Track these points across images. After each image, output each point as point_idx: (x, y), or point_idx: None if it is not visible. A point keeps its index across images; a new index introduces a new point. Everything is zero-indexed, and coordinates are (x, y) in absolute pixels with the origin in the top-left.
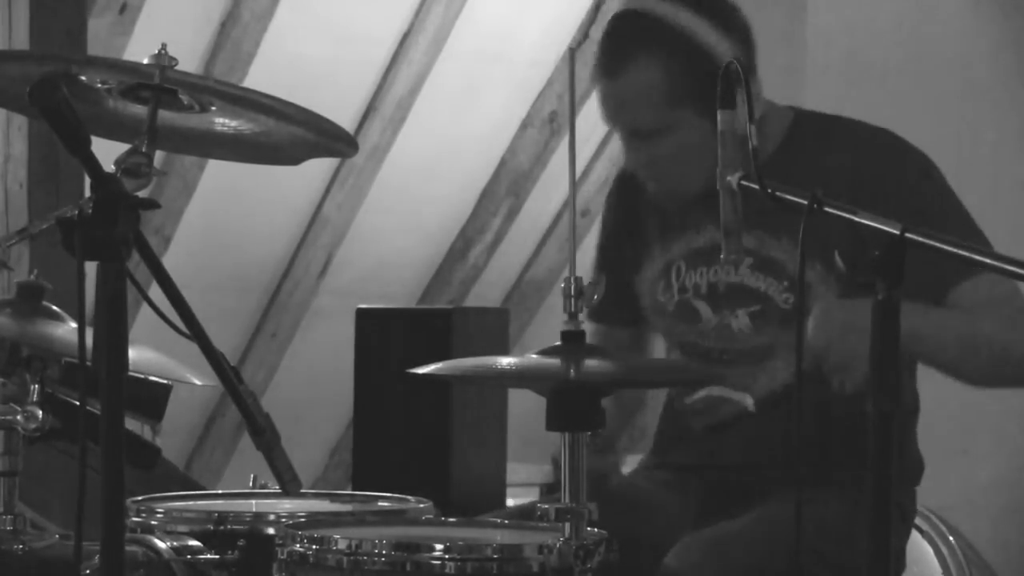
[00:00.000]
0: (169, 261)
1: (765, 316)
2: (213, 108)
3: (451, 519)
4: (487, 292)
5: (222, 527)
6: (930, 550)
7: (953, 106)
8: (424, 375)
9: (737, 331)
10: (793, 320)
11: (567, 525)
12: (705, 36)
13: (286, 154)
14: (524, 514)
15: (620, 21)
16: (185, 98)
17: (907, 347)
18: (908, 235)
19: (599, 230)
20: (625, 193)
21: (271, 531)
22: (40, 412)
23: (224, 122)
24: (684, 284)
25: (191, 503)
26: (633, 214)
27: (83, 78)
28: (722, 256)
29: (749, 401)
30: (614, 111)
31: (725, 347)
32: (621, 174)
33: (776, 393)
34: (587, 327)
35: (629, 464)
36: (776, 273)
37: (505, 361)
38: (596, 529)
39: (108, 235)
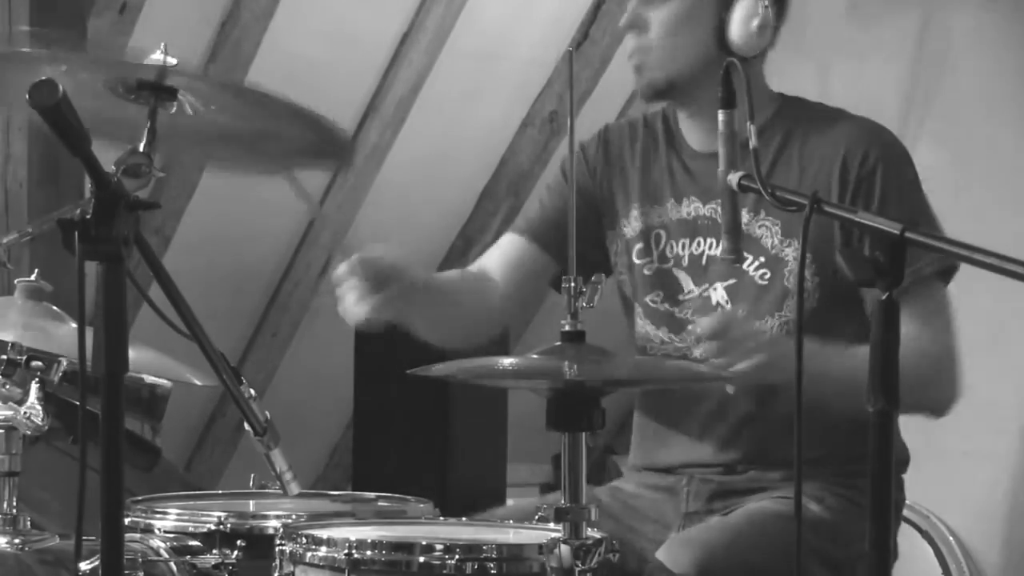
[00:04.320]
0: (169, 261)
1: (740, 290)
2: (213, 108)
3: (451, 519)
4: None
5: (222, 527)
6: (930, 550)
7: (956, 110)
8: (424, 375)
9: (715, 304)
10: (766, 295)
11: (567, 525)
12: None
13: (284, 160)
14: (522, 513)
15: None
16: (185, 98)
17: (815, 389)
18: (908, 235)
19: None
20: (609, 147)
21: (271, 531)
22: (40, 412)
23: (224, 124)
24: (665, 253)
25: (191, 503)
26: (614, 170)
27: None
28: (720, 256)
29: (728, 387)
30: None
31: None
32: (605, 130)
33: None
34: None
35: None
36: (752, 249)
37: (505, 361)
38: (595, 529)
39: (108, 235)
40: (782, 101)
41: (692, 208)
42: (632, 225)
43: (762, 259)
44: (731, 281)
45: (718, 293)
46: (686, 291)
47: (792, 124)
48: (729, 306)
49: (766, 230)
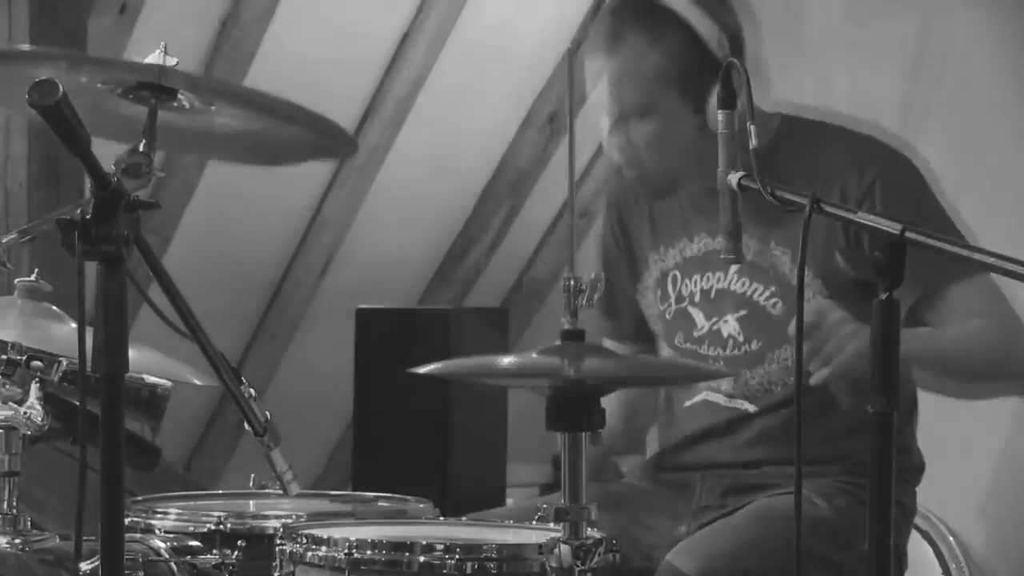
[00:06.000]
0: (169, 261)
1: (753, 321)
2: (213, 108)
3: (451, 519)
4: (487, 292)
5: (222, 527)
6: (930, 550)
7: (956, 110)
8: (423, 375)
9: (727, 336)
10: (780, 327)
11: (567, 525)
12: (699, 23)
13: (286, 155)
14: (522, 514)
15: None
16: (185, 98)
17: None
18: (908, 235)
19: (600, 247)
20: (622, 212)
21: (271, 531)
22: (40, 412)
23: (225, 123)
24: (681, 293)
25: (191, 503)
26: (628, 226)
27: (83, 79)
28: (721, 256)
29: (749, 407)
30: (610, 87)
31: (717, 354)
32: (614, 198)
33: (776, 399)
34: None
35: (628, 465)
36: (763, 279)
37: (505, 361)
38: (596, 529)
39: (108, 235)
40: (780, 122)
41: (703, 244)
42: (652, 273)
43: (774, 288)
44: (742, 312)
45: (729, 325)
46: (699, 326)
47: (790, 146)
48: (742, 338)
49: (777, 259)
